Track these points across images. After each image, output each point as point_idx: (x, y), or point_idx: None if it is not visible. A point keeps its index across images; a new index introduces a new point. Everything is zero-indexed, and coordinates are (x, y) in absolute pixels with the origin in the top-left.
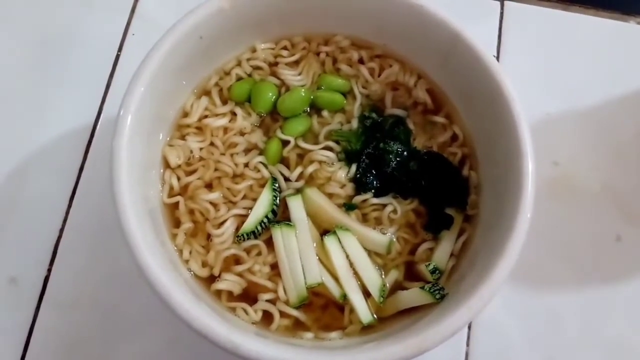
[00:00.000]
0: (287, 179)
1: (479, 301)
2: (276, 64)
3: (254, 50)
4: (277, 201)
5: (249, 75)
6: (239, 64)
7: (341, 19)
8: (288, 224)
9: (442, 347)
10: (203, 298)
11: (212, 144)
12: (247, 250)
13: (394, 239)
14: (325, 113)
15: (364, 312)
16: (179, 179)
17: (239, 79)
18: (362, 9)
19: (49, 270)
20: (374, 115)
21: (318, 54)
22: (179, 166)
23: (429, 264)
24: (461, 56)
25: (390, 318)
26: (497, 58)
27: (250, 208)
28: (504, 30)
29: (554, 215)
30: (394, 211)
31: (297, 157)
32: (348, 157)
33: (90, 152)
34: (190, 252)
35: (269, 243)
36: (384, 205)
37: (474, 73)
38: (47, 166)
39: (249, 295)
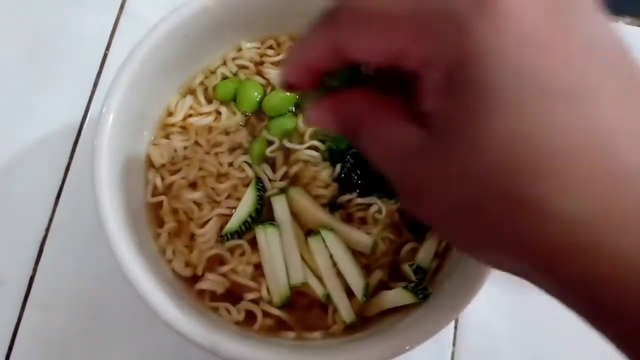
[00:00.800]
0: (271, 179)
1: (461, 300)
2: (262, 63)
3: (239, 49)
4: (262, 201)
5: (235, 75)
6: (224, 63)
7: None
8: (272, 223)
9: (428, 347)
10: (186, 298)
11: (196, 142)
12: (231, 250)
13: (379, 239)
14: None
15: (346, 312)
16: (162, 178)
17: (225, 78)
18: None
19: (35, 270)
20: None
21: None
22: (163, 165)
23: (412, 264)
24: None
25: (374, 318)
26: None
27: (235, 208)
28: None
29: None
30: (379, 211)
31: (282, 157)
32: (333, 157)
33: (77, 151)
34: (174, 252)
35: (253, 243)
36: (369, 205)
37: None
38: (34, 165)
39: (232, 295)
